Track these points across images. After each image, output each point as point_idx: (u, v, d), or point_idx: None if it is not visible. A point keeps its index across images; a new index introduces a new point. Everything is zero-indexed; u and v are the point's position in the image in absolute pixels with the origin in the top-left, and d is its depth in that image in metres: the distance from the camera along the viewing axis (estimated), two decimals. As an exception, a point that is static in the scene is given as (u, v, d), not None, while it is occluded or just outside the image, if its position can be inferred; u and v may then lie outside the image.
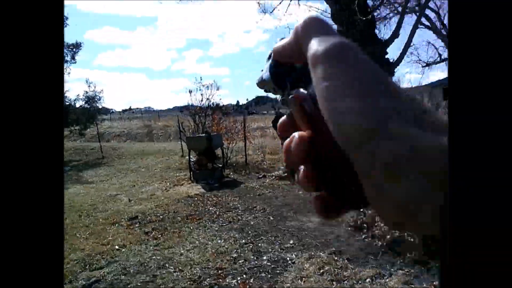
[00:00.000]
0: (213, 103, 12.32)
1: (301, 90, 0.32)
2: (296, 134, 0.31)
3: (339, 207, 0.30)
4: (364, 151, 0.23)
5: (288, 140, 0.31)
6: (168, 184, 8.50)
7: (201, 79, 12.30)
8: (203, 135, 8.72)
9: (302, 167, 0.30)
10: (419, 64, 24.79)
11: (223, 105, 12.89)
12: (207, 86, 12.15)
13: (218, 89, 12.52)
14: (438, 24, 24.22)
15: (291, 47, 0.32)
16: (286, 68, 0.35)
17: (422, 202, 0.21)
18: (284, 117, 0.34)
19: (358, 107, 0.24)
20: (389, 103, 0.24)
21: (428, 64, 24.39)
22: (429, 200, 0.21)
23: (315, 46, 0.28)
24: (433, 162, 0.21)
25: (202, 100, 12.13)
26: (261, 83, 0.39)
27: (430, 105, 0.23)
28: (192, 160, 9.17)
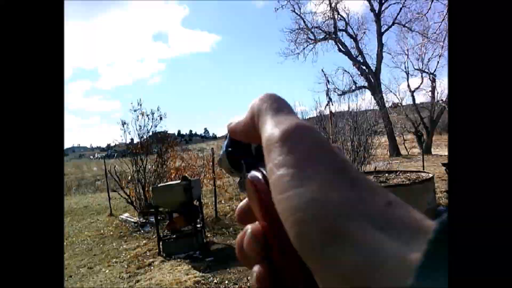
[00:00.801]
0: (154, 134, 9.48)
1: (256, 173, 0.28)
2: (249, 228, 0.28)
3: None
4: (321, 257, 0.20)
5: (240, 234, 0.28)
6: (128, 267, 5.14)
7: (140, 105, 9.12)
8: (180, 182, 5.65)
9: (255, 267, 0.27)
10: (335, 93, 25.43)
11: (167, 134, 10.02)
12: (148, 114, 9.19)
13: (161, 118, 9.38)
14: (353, 51, 25.12)
15: (247, 125, 0.29)
16: (243, 147, 0.32)
17: None
18: (242, 203, 0.31)
19: (315, 202, 0.21)
20: (350, 194, 0.22)
21: (344, 93, 25.17)
22: None
23: (270, 127, 0.26)
24: (395, 279, 0.18)
25: (140, 134, 9.13)
26: (219, 163, 0.36)
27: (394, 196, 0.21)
28: (141, 221, 7.29)
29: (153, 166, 9.02)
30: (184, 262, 4.95)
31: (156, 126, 9.44)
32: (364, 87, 27.80)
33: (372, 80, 26.93)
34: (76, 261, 5.90)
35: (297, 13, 23.85)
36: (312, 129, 0.25)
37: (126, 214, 9.05)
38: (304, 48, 24.36)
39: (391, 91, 27.99)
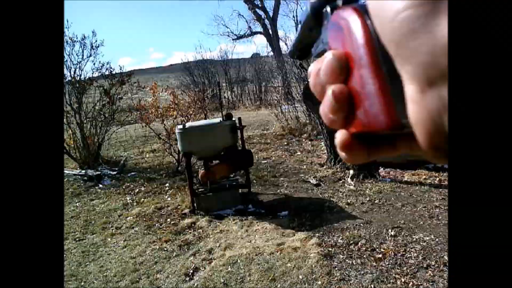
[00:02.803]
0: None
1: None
2: (330, 53, 0.25)
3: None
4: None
5: (318, 59, 0.28)
6: (153, 233, 3.61)
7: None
8: (223, 120, 4.10)
9: (333, 86, 0.25)
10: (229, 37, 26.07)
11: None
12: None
13: (97, 47, 7.14)
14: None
15: None
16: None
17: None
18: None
19: None
20: None
21: (239, 37, 26.14)
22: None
23: None
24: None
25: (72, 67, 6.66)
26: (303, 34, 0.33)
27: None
28: (91, 174, 5.68)
29: (97, 106, 6.81)
30: (246, 220, 3.79)
31: (91, 56, 7.03)
32: (259, 32, 27.57)
33: (269, 26, 26.74)
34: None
35: None
36: None
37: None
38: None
39: (281, 39, 28.45)
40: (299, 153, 6.93)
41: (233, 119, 4.12)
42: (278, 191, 4.64)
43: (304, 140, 7.99)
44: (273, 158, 6.68)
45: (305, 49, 0.35)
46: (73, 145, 6.72)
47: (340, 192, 4.42)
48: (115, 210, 4.66)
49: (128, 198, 5.06)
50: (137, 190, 5.38)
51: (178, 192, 4.98)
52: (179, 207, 4.42)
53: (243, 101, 20.99)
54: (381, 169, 4.97)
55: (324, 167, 5.40)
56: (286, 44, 21.71)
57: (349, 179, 4.70)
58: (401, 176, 4.86)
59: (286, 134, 8.48)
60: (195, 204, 4.09)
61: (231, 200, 4.15)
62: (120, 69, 7.04)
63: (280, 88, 11.30)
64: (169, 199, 4.78)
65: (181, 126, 4.02)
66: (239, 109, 17.24)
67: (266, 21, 26.77)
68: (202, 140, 3.95)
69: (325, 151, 6.62)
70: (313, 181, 4.78)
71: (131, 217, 4.31)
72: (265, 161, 6.45)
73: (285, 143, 7.83)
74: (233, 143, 4.08)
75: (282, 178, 5.20)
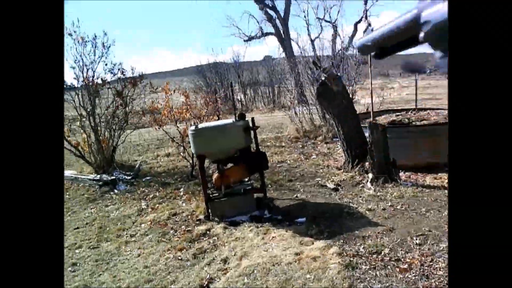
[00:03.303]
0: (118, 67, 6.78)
1: None
2: None
3: None
4: None
5: None
6: (167, 241, 3.51)
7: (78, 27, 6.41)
8: (236, 121, 3.93)
9: None
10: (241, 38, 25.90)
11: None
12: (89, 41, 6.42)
13: (110, 46, 6.78)
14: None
15: None
16: None
17: None
18: None
19: None
20: None
21: (250, 38, 25.94)
22: None
23: None
24: None
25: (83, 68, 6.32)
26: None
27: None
28: (106, 179, 5.48)
29: (110, 109, 6.80)
30: (262, 226, 3.66)
31: (103, 56, 7.03)
32: (271, 33, 27.41)
33: (280, 27, 26.52)
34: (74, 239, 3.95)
35: None
36: None
37: (71, 171, 6.80)
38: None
39: (292, 40, 28.10)
40: (314, 156, 6.77)
41: (246, 119, 4.01)
42: (295, 196, 4.51)
43: (319, 142, 7.83)
44: (288, 161, 6.55)
45: (387, 50, 0.37)
46: (87, 150, 6.73)
47: (360, 197, 4.25)
48: (129, 216, 4.61)
49: (143, 204, 5.01)
50: (152, 195, 5.32)
51: (192, 197, 4.90)
52: (193, 213, 4.33)
53: (256, 103, 20.92)
54: (401, 173, 4.78)
55: (342, 170, 5.24)
56: (297, 44, 21.50)
57: (368, 184, 4.53)
58: (422, 180, 4.66)
59: (301, 137, 8.33)
60: (209, 210, 4.00)
61: (246, 205, 4.04)
62: (132, 70, 6.97)
63: (293, 90, 11.16)
64: (183, 205, 4.70)
65: (193, 127, 3.94)
66: (252, 112, 17.15)
67: (278, 22, 26.60)
68: (214, 141, 3.85)
69: (342, 154, 6.45)
70: (331, 186, 4.63)
71: (146, 224, 4.24)
72: (280, 165, 6.32)
73: (300, 146, 7.68)
74: (246, 144, 3.97)
75: (298, 183, 5.06)
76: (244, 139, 3.90)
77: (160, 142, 9.56)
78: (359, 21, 24.69)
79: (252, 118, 4.00)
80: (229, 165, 4.13)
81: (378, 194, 4.26)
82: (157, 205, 4.89)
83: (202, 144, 3.87)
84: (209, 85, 19.85)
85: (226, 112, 12.78)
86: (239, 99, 20.27)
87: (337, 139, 8.08)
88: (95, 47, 6.96)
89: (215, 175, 4.00)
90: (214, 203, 4.00)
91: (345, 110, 4.95)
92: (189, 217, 4.25)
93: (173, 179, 6.05)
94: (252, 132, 3.97)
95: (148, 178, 6.32)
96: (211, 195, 4.04)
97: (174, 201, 4.91)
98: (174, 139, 6.17)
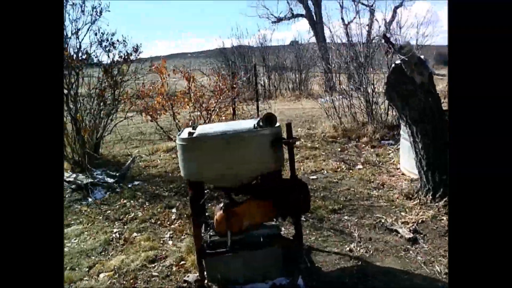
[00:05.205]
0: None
1: None
2: None
3: None
4: None
5: None
6: None
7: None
8: (262, 126, 2.24)
9: None
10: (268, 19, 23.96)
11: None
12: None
13: (101, 12, 5.22)
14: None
15: None
16: None
17: None
18: None
19: None
20: None
21: (279, 20, 23.95)
22: None
23: None
24: None
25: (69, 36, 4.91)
26: None
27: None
28: (84, 181, 4.16)
29: (96, 90, 5.21)
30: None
31: (93, 23, 5.39)
32: (301, 15, 25.24)
33: (312, 9, 24.28)
34: None
35: None
36: None
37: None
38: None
39: (324, 24, 25.86)
40: (360, 166, 5.02)
41: (278, 124, 2.30)
42: (346, 247, 2.79)
43: (363, 145, 6.05)
44: (325, 171, 4.82)
45: None
46: (66, 141, 5.20)
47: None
48: (88, 252, 3.05)
49: (115, 230, 3.44)
50: (133, 215, 3.74)
51: (185, 226, 3.29)
52: (181, 262, 2.71)
53: (281, 90, 19.05)
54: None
55: (414, 201, 3.45)
56: (329, 29, 19.42)
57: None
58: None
59: (339, 136, 6.55)
60: (204, 272, 2.36)
61: (267, 266, 2.38)
62: (124, 41, 5.23)
63: (328, 76, 9.32)
64: (170, 242, 3.09)
65: (185, 134, 2.27)
66: (276, 99, 15.35)
67: (310, 3, 24.38)
68: (222, 160, 2.17)
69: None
70: (405, 232, 2.88)
71: (105, 275, 2.66)
72: (315, 177, 4.61)
73: (339, 149, 5.92)
74: (275, 167, 2.28)
75: (347, 217, 3.34)
76: (272, 157, 2.21)
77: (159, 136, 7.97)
78: (399, 6, 22.27)
79: (288, 125, 2.29)
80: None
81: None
82: (134, 234, 3.30)
83: (199, 162, 2.19)
84: (231, 67, 18.13)
85: (247, 98, 11.07)
86: (262, 84, 18.47)
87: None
88: (83, 10, 5.35)
89: (218, 214, 2.34)
90: (213, 261, 2.35)
91: (430, 114, 3.16)
92: (173, 269, 2.64)
93: (167, 188, 4.44)
94: (284, 146, 2.27)
95: (136, 183, 4.75)
96: (208, 244, 2.38)
97: (159, 232, 3.31)
98: (170, 135, 4.52)
